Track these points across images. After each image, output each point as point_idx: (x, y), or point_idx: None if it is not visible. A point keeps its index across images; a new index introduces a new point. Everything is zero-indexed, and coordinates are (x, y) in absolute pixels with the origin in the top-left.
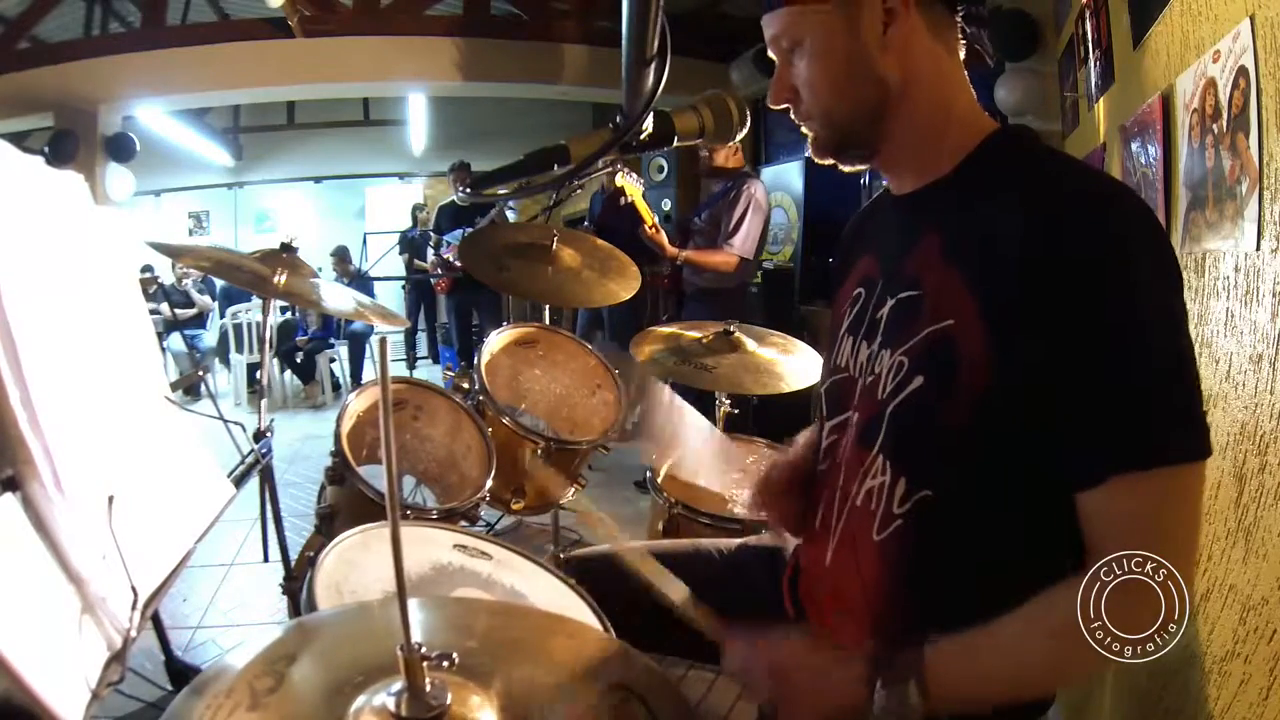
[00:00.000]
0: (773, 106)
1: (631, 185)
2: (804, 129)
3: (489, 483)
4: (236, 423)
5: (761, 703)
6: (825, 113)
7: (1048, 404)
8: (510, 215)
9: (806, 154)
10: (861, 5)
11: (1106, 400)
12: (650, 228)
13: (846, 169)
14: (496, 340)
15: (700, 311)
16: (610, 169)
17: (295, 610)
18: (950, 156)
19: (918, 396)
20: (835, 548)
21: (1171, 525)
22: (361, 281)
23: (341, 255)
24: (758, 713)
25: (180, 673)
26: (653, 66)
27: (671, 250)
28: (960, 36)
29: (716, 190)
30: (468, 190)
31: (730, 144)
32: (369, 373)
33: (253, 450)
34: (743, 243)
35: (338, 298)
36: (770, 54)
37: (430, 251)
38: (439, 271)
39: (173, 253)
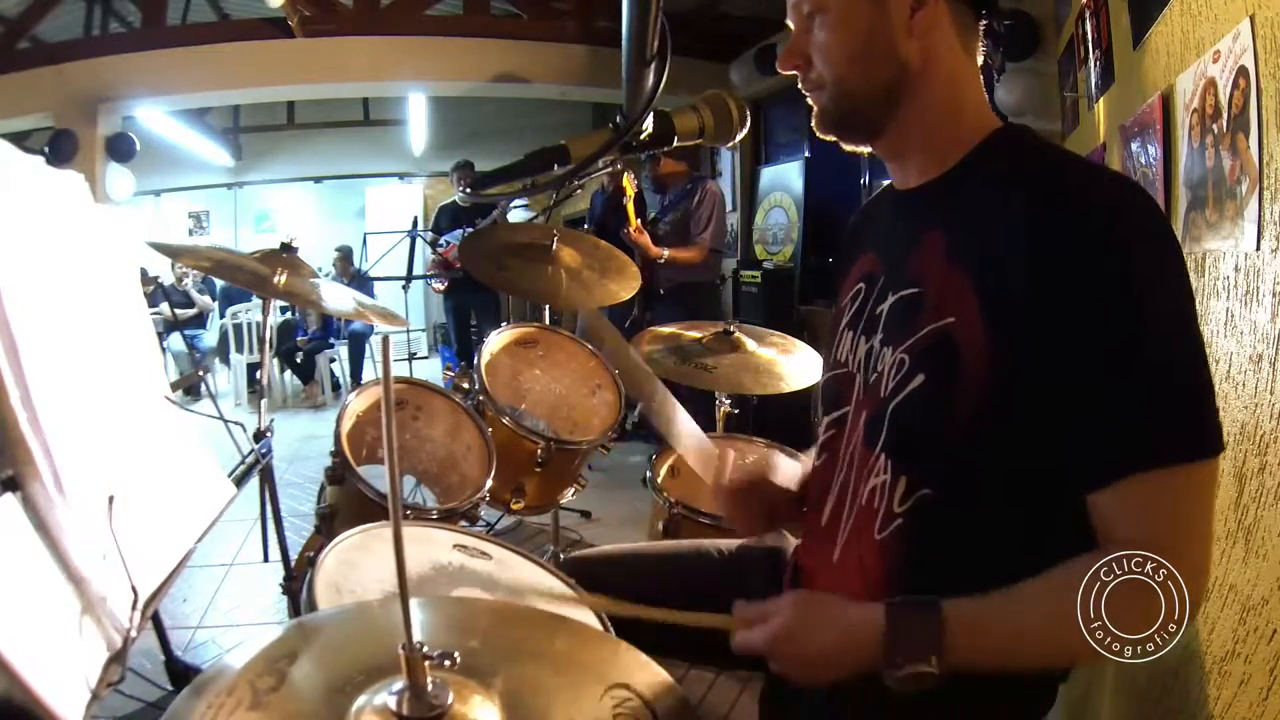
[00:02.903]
0: (781, 70)
1: (633, 187)
2: (809, 99)
3: (489, 483)
4: (236, 423)
5: (774, 668)
6: (837, 82)
7: (1052, 403)
8: (523, 214)
9: (807, 154)
10: None
11: (1118, 398)
12: (634, 230)
13: (847, 147)
14: (496, 340)
15: (673, 311)
16: (611, 169)
17: (295, 610)
18: (955, 153)
19: (919, 395)
20: (841, 546)
21: (1186, 521)
22: (361, 281)
23: (346, 255)
24: (758, 713)
25: (180, 673)
26: (653, 66)
27: (655, 250)
28: (980, 42)
29: (674, 195)
30: (468, 190)
31: (723, 143)
32: (369, 373)
33: (253, 450)
34: (712, 237)
35: (338, 298)
36: (788, 20)
37: (429, 251)
38: (435, 271)
39: (173, 253)
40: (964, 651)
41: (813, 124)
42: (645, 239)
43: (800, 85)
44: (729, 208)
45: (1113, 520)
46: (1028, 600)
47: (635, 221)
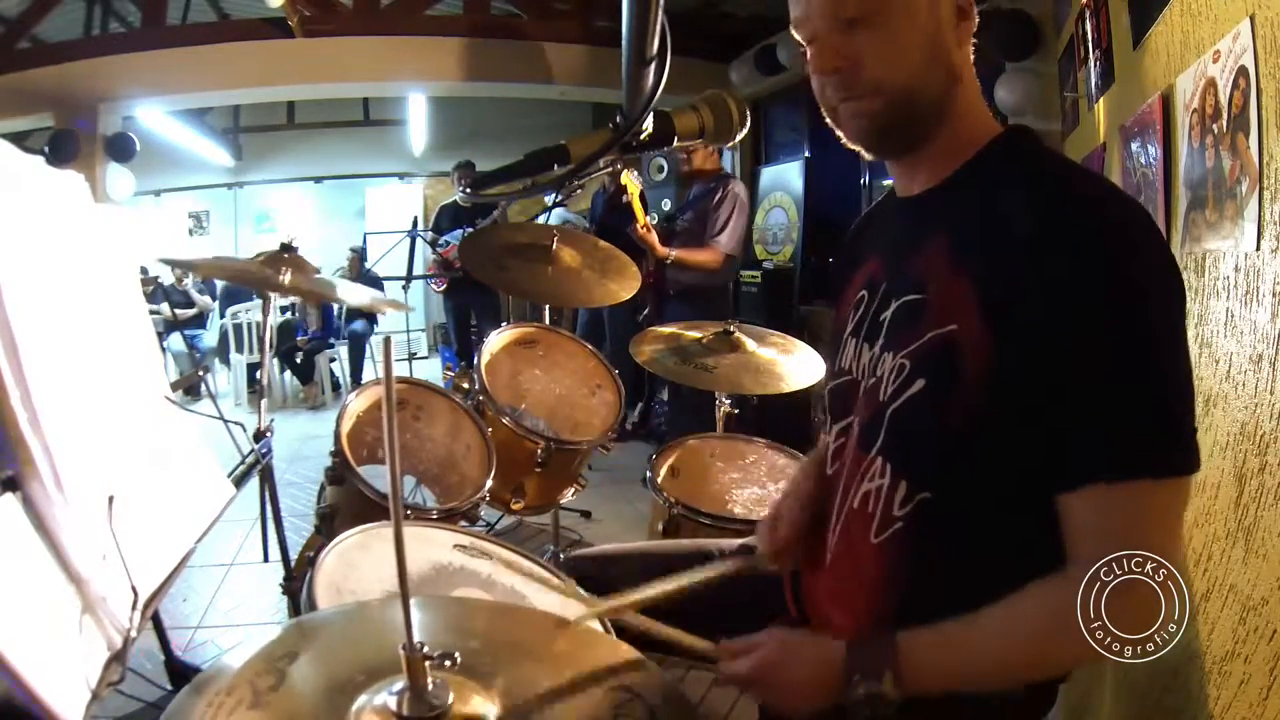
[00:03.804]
0: (823, 71)
1: (634, 184)
2: (850, 106)
3: (489, 483)
4: (236, 423)
5: (756, 700)
6: (904, 90)
7: (1045, 407)
8: (570, 218)
9: (807, 154)
10: None
11: (1092, 407)
12: (642, 227)
13: (869, 157)
14: (496, 340)
15: (683, 311)
16: (611, 168)
17: (295, 610)
18: (960, 158)
19: (919, 399)
20: (834, 550)
21: (1145, 536)
22: (371, 282)
23: (359, 255)
24: (759, 713)
25: (180, 673)
26: (653, 66)
27: (662, 250)
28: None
29: (698, 190)
30: (468, 190)
31: (709, 147)
32: (369, 373)
33: (253, 450)
34: (729, 240)
35: (351, 291)
36: (805, 25)
37: (429, 251)
38: (435, 271)
39: (188, 266)
40: (920, 673)
41: (846, 133)
42: (652, 237)
43: (838, 88)
44: None
45: (1076, 526)
46: (982, 625)
47: (643, 219)
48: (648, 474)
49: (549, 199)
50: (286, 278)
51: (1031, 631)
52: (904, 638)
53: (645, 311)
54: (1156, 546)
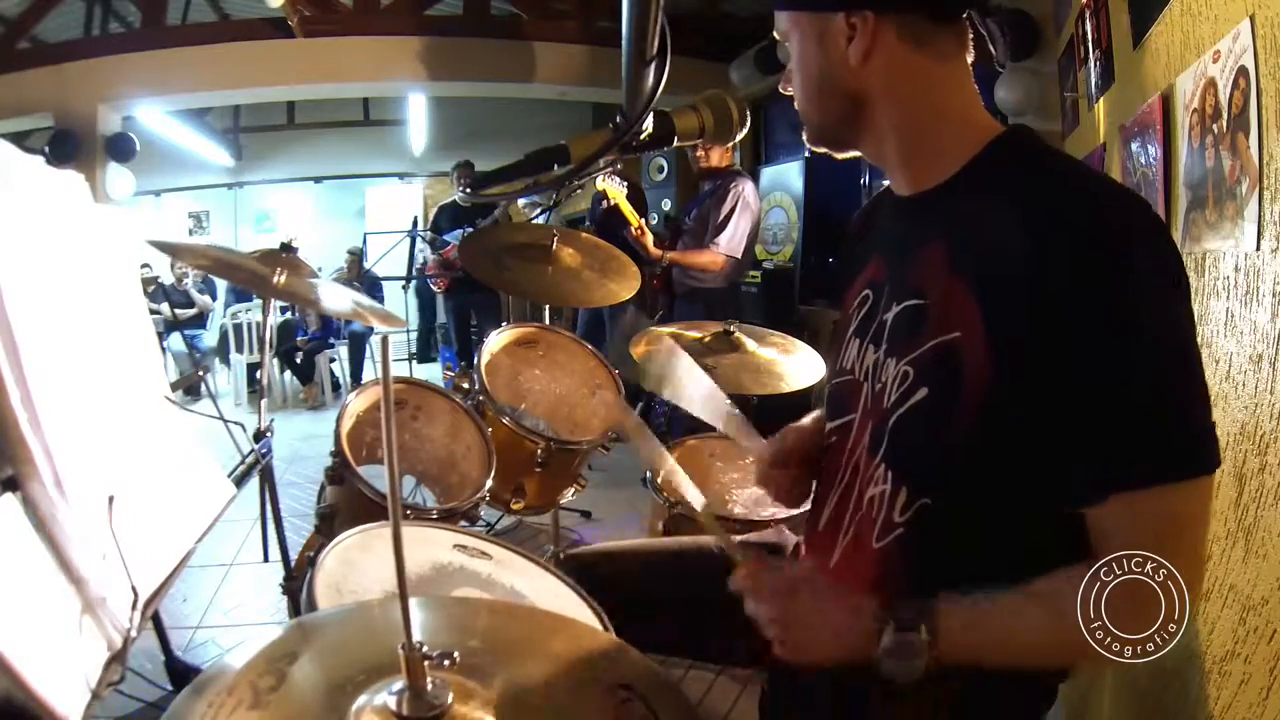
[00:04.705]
0: (783, 93)
1: (613, 188)
2: None
3: (489, 483)
4: (236, 423)
5: (772, 638)
6: (802, 114)
7: (1051, 417)
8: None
9: (807, 154)
10: (829, 20)
11: (1108, 418)
12: (635, 230)
13: (839, 157)
14: (496, 340)
15: (691, 311)
16: (609, 169)
17: (295, 610)
18: (950, 161)
19: (921, 408)
20: (841, 551)
21: (1175, 539)
22: (370, 282)
23: (357, 256)
24: (759, 714)
25: (180, 673)
26: (653, 66)
27: (655, 252)
28: (969, 39)
29: (706, 189)
30: (468, 190)
31: (722, 145)
32: (369, 373)
33: (253, 450)
34: (728, 242)
35: (335, 298)
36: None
37: (429, 251)
38: (435, 271)
39: (172, 251)
40: (954, 636)
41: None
42: (646, 239)
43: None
44: None
45: (1107, 534)
46: (1024, 597)
47: (635, 220)
48: (648, 474)
49: (522, 203)
50: (281, 278)
51: (1069, 612)
52: (944, 599)
53: (659, 315)
54: (1185, 548)
